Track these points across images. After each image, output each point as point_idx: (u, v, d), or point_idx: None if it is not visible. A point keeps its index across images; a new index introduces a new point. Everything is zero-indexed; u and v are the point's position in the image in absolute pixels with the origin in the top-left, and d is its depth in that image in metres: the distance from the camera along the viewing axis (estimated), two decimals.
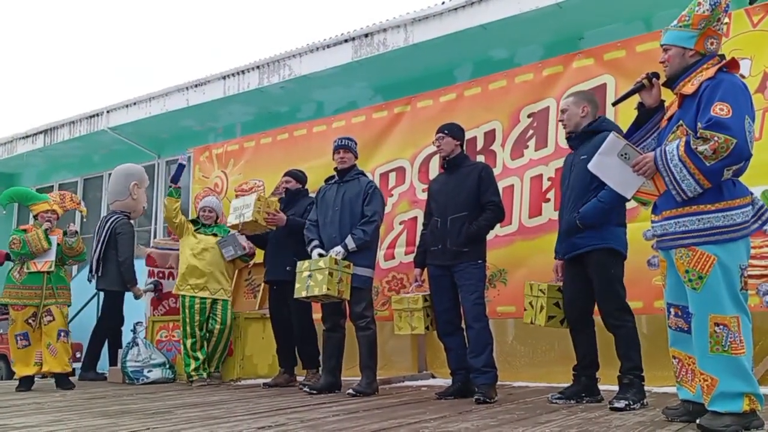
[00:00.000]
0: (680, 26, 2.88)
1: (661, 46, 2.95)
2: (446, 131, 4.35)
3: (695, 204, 2.68)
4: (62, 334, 5.48)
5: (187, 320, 5.52)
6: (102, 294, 6.89)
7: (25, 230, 5.48)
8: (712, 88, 2.67)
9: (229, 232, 5.66)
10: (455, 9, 7.27)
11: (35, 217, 5.62)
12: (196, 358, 5.49)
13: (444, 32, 7.36)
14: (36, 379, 5.62)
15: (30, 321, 5.38)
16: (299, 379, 5.32)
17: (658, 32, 4.72)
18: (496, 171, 4.67)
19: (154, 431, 2.99)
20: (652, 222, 2.95)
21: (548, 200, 4.91)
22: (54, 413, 3.80)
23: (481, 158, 5.11)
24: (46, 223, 5.49)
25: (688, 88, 2.77)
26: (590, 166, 3.03)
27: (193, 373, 5.49)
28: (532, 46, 7.25)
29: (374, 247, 4.75)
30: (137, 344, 6.00)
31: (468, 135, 4.84)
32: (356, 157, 4.90)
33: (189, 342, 5.51)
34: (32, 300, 5.38)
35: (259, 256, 5.86)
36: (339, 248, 4.51)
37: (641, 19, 6.65)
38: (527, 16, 6.83)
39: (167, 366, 5.98)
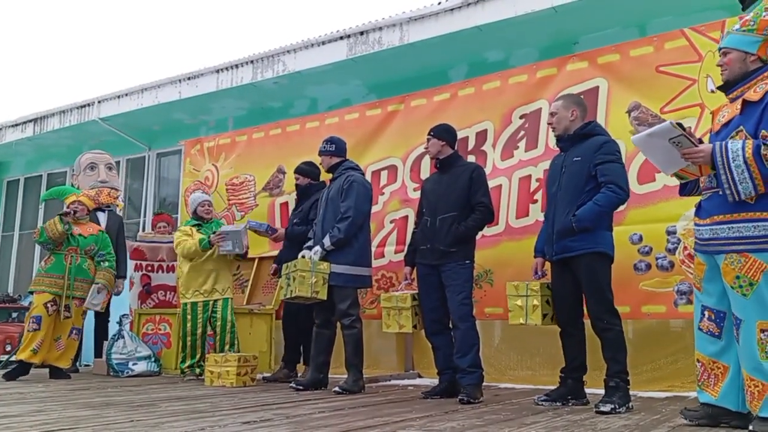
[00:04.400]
0: (744, 30, 2.85)
1: (720, 49, 2.94)
2: (432, 133, 4.39)
3: (750, 210, 2.69)
4: (74, 331, 5.56)
5: (189, 318, 5.44)
6: None
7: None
8: None
9: (221, 226, 5.60)
10: (451, 10, 7.27)
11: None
12: (193, 356, 5.46)
13: (439, 32, 7.35)
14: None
15: (48, 305, 5.35)
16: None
17: (651, 38, 4.78)
18: (486, 171, 4.68)
19: (138, 423, 2.97)
20: (697, 225, 2.93)
21: (536, 201, 4.92)
22: (36, 404, 3.77)
23: (472, 158, 5.12)
24: (66, 209, 5.50)
25: (752, 95, 2.76)
26: (634, 140, 3.02)
27: (186, 370, 5.46)
28: (527, 49, 7.26)
29: (358, 244, 4.62)
30: (123, 336, 5.96)
31: (460, 135, 4.85)
32: (338, 155, 4.86)
33: (190, 339, 5.44)
34: (51, 288, 5.39)
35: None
36: (317, 248, 4.57)
37: (636, 25, 6.67)
38: (523, 19, 6.83)
39: (152, 359, 5.94)
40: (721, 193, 2.76)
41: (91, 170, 6.71)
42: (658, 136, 2.86)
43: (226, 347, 5.42)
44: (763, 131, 2.66)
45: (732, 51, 2.87)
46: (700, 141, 2.91)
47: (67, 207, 5.54)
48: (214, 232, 5.44)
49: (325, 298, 4.48)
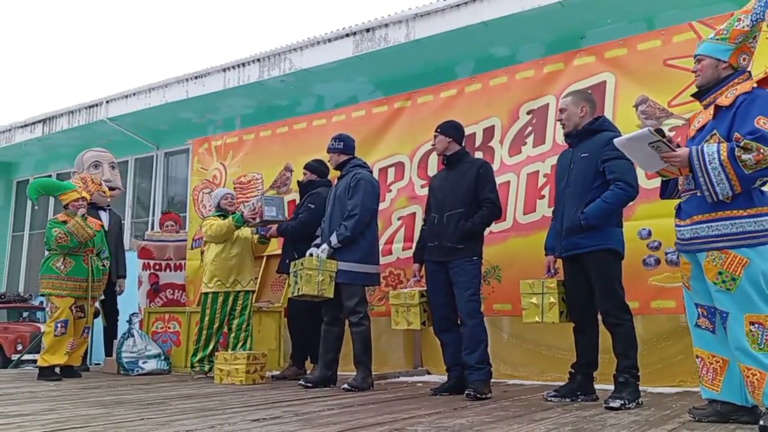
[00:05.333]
0: (717, 39, 2.98)
1: (695, 56, 3.05)
2: (439, 130, 4.40)
3: (728, 209, 2.79)
4: (86, 330, 5.64)
5: (207, 311, 5.44)
6: None
7: (64, 222, 5.40)
8: (749, 102, 2.79)
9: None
10: (457, 5, 7.27)
11: (66, 206, 5.58)
12: (205, 348, 5.47)
13: (445, 28, 7.36)
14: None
15: (72, 308, 5.39)
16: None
17: (659, 31, 4.75)
18: (494, 167, 4.66)
19: (148, 421, 2.98)
20: (678, 226, 3.01)
21: (543, 197, 4.91)
22: (48, 402, 3.80)
23: (479, 154, 5.11)
24: (80, 210, 5.48)
25: (724, 100, 2.88)
26: (616, 143, 3.10)
27: (196, 364, 5.47)
28: (534, 44, 7.24)
29: (365, 241, 4.62)
30: (133, 335, 6.00)
31: (467, 131, 4.83)
32: (346, 153, 4.86)
33: (204, 333, 5.45)
34: (75, 292, 5.39)
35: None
36: (324, 245, 4.58)
37: (643, 19, 6.65)
38: (529, 14, 6.82)
39: (162, 357, 5.97)
40: (699, 194, 2.86)
41: (95, 168, 6.70)
42: (637, 140, 2.96)
43: (239, 345, 5.44)
44: (735, 133, 2.76)
45: (705, 58, 2.99)
46: (678, 146, 2.99)
47: (76, 205, 5.51)
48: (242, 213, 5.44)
49: (331, 296, 4.49)
